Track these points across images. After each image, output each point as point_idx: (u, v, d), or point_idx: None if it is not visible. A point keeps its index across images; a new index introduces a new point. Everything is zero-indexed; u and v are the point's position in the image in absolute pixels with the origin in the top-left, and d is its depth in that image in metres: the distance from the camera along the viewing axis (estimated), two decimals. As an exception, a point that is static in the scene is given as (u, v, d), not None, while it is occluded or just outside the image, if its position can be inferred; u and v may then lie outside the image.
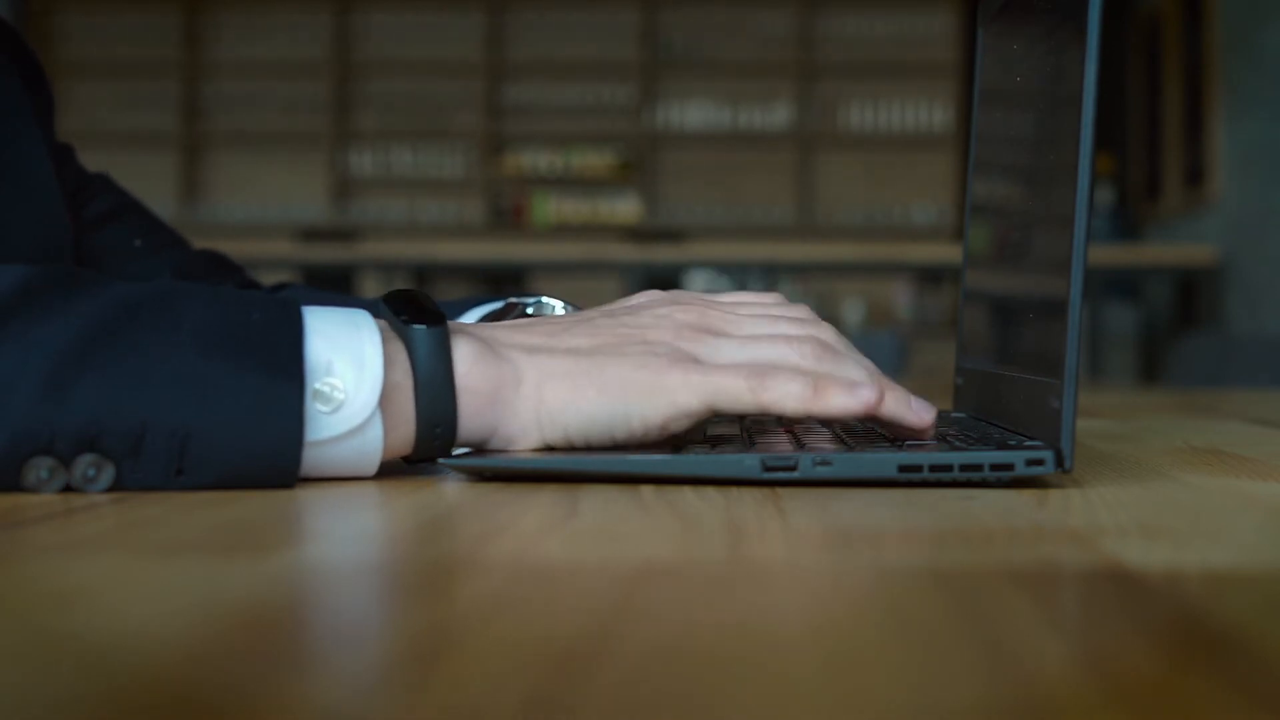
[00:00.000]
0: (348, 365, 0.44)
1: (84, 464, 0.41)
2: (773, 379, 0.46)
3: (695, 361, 0.48)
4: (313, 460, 0.44)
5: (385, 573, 0.32)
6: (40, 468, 0.41)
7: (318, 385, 0.43)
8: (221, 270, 0.84)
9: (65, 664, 0.22)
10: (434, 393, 0.45)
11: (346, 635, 0.25)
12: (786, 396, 0.46)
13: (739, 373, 0.47)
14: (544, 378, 0.47)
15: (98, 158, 0.83)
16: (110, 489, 0.42)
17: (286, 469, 0.43)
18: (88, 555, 0.32)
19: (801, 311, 0.53)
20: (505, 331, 0.49)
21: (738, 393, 0.46)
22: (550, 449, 0.48)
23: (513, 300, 0.65)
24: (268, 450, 0.43)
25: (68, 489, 0.42)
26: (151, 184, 5.15)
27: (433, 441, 0.46)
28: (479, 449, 0.48)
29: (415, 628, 0.25)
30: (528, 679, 0.21)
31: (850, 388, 0.47)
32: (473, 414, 0.46)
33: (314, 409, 0.43)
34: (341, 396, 0.44)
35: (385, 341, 0.45)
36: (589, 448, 0.47)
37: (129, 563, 0.31)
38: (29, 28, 5.27)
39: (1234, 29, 3.76)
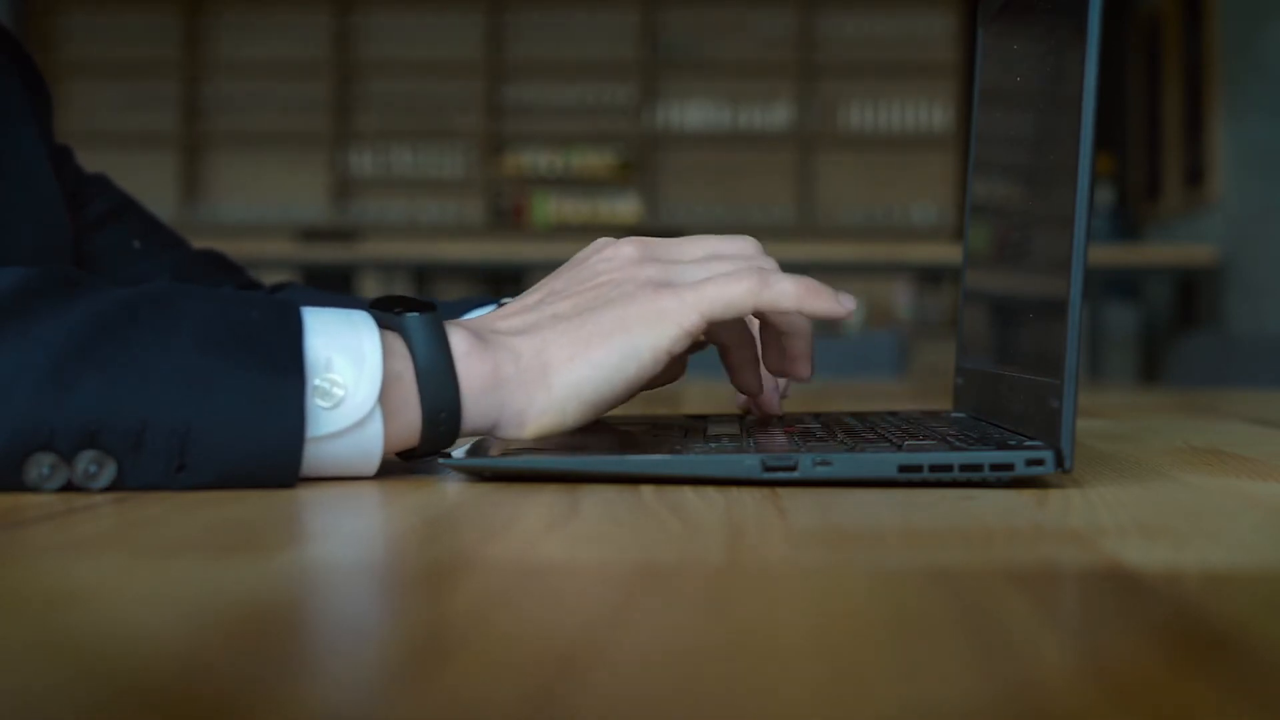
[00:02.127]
0: (347, 361, 0.44)
1: (85, 461, 0.41)
2: (772, 278, 0.49)
3: (671, 285, 0.49)
4: (314, 457, 0.44)
5: (385, 573, 0.32)
6: (41, 464, 0.41)
7: (317, 381, 0.44)
8: (221, 270, 0.84)
9: (65, 664, 0.22)
10: (436, 378, 0.45)
11: (346, 635, 0.25)
12: (784, 294, 0.49)
13: (735, 278, 0.48)
14: (542, 347, 0.47)
15: (98, 158, 0.83)
16: (111, 487, 0.42)
17: (288, 465, 0.43)
18: (88, 555, 0.32)
19: (710, 238, 0.54)
20: (488, 321, 0.50)
21: (740, 295, 0.48)
22: (552, 445, 0.48)
23: (506, 301, 0.65)
24: (269, 447, 0.43)
25: (69, 487, 0.42)
26: (151, 184, 5.15)
27: (438, 429, 0.46)
28: (476, 445, 0.48)
29: (415, 628, 0.25)
30: (528, 679, 0.21)
31: (835, 296, 0.50)
32: (475, 400, 0.46)
33: (314, 405, 0.43)
34: (341, 392, 0.44)
35: (383, 334, 0.45)
36: (593, 438, 0.48)
37: (129, 562, 0.31)
38: (29, 28, 5.27)
39: (1234, 29, 3.76)
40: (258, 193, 5.44)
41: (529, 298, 0.51)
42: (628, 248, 0.51)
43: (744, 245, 0.53)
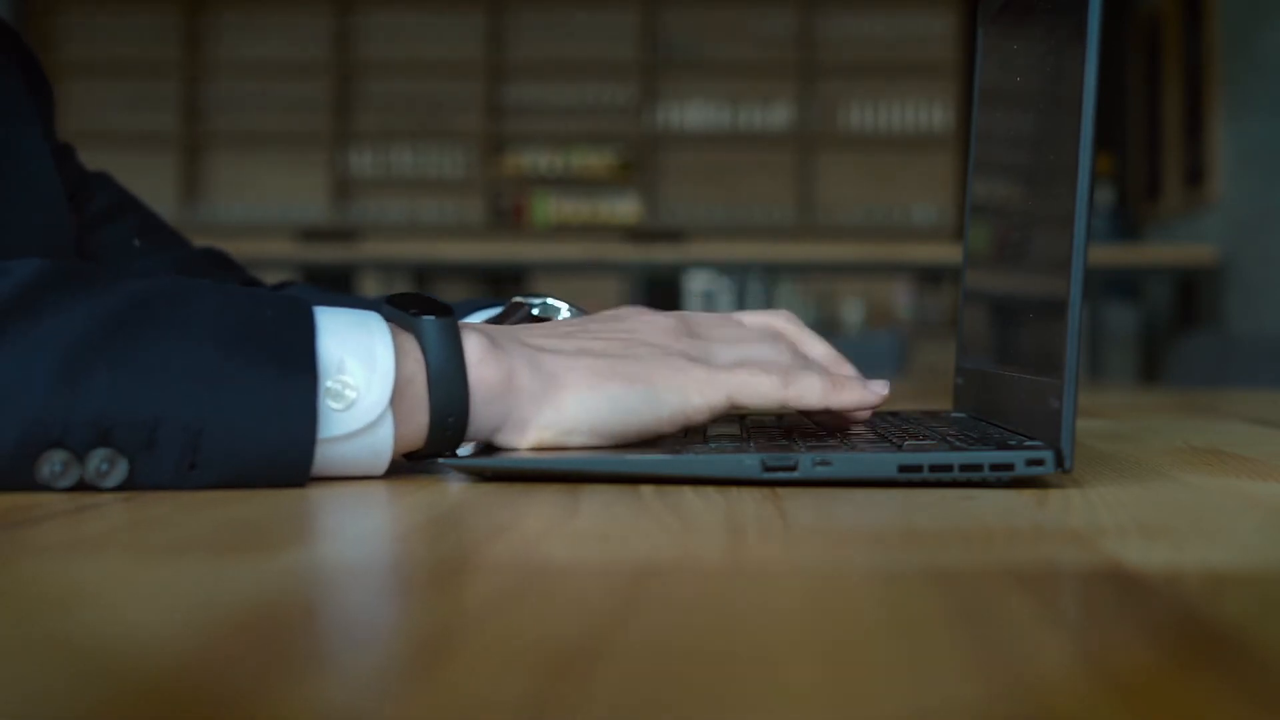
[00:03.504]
0: (359, 363, 0.44)
1: (97, 458, 0.41)
2: (798, 375, 0.50)
3: (704, 361, 0.50)
4: (324, 458, 0.44)
5: (388, 572, 0.32)
6: (54, 461, 0.41)
7: (330, 383, 0.44)
8: (222, 269, 0.84)
9: (71, 662, 0.22)
10: (447, 383, 0.46)
11: (350, 634, 0.25)
12: (809, 391, 0.50)
13: (764, 369, 0.50)
14: (563, 369, 0.48)
15: (98, 158, 0.83)
16: (122, 485, 0.42)
17: (299, 465, 0.43)
18: (94, 554, 0.33)
19: (752, 316, 0.57)
20: (510, 331, 0.50)
21: (766, 388, 0.50)
22: (553, 449, 0.48)
23: (518, 300, 0.65)
24: (280, 446, 0.43)
25: (80, 484, 0.42)
26: (151, 184, 5.15)
27: (444, 433, 0.46)
28: (486, 447, 0.48)
29: (418, 627, 0.25)
30: (528, 679, 0.21)
31: (864, 386, 0.52)
32: (484, 404, 0.47)
33: (326, 406, 0.44)
34: (353, 394, 0.44)
35: (396, 335, 0.46)
36: (600, 447, 0.48)
37: (135, 562, 0.31)
38: (29, 28, 5.27)
39: (1234, 29, 3.76)
40: (258, 193, 5.44)
41: (561, 327, 0.52)
42: (665, 319, 0.53)
43: (776, 318, 0.55)
